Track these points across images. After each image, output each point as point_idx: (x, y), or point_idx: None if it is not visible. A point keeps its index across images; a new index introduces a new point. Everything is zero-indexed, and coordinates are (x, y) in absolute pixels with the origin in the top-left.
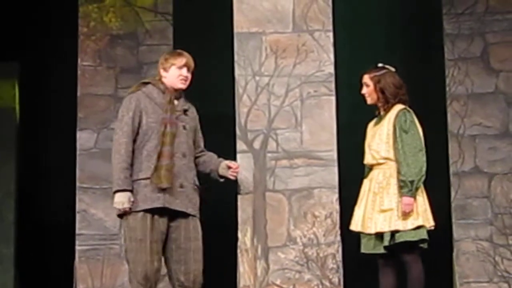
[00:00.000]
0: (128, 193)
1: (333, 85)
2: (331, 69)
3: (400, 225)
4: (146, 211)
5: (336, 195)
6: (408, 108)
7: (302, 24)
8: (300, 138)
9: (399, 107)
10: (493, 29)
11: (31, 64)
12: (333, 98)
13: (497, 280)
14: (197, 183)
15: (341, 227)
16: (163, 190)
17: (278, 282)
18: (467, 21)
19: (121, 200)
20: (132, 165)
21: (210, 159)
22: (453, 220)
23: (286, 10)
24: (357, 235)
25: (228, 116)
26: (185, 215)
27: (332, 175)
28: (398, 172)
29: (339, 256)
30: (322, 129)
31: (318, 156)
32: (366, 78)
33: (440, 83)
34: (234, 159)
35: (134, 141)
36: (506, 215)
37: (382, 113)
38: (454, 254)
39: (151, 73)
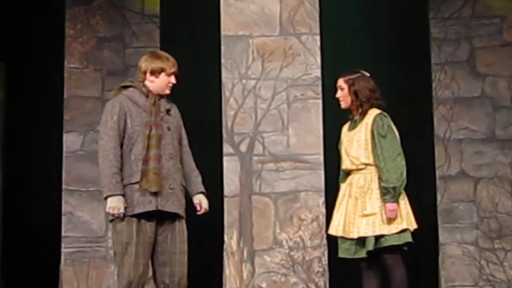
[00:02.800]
0: (121, 197)
1: (320, 89)
2: (318, 72)
3: (384, 229)
4: (133, 215)
5: (323, 199)
6: (385, 113)
7: (289, 27)
8: (287, 142)
9: (375, 111)
10: (479, 34)
11: (17, 66)
12: (320, 102)
13: (482, 284)
14: (183, 183)
15: (327, 231)
16: (154, 193)
17: (264, 285)
18: (453, 25)
19: (115, 205)
20: (121, 169)
21: (189, 178)
22: (439, 223)
23: (273, 14)
24: None
25: (215, 119)
26: (172, 217)
27: (319, 178)
28: (380, 179)
29: (325, 260)
30: (308, 132)
31: (304, 159)
32: (341, 82)
33: (427, 87)
34: (221, 162)
35: (121, 145)
36: (491, 219)
37: (356, 117)
38: (440, 257)
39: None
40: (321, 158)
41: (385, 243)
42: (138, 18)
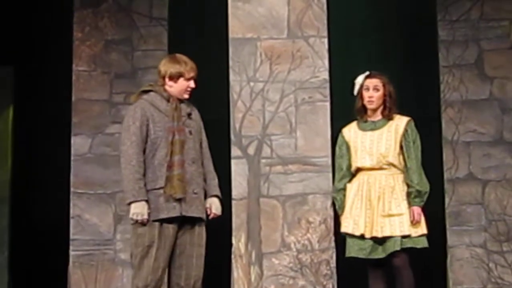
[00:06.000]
0: (145, 203)
1: (327, 91)
2: (325, 75)
3: (410, 231)
4: (156, 219)
5: (331, 201)
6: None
7: (297, 30)
8: (295, 144)
9: (403, 116)
10: (487, 36)
11: (25, 69)
12: (328, 104)
13: (490, 287)
14: (204, 187)
15: (335, 233)
16: (178, 199)
17: None
18: (461, 27)
19: (139, 211)
20: (144, 175)
21: (205, 180)
22: (447, 226)
23: (281, 16)
24: None
25: (223, 121)
26: (193, 221)
27: (327, 181)
28: (411, 181)
29: (333, 262)
30: (316, 135)
31: (312, 162)
32: (378, 82)
33: (435, 90)
34: (229, 164)
35: (144, 150)
36: (500, 222)
37: (376, 119)
38: (448, 260)
39: (146, 78)
40: (329, 160)
41: (408, 244)
42: (146, 21)
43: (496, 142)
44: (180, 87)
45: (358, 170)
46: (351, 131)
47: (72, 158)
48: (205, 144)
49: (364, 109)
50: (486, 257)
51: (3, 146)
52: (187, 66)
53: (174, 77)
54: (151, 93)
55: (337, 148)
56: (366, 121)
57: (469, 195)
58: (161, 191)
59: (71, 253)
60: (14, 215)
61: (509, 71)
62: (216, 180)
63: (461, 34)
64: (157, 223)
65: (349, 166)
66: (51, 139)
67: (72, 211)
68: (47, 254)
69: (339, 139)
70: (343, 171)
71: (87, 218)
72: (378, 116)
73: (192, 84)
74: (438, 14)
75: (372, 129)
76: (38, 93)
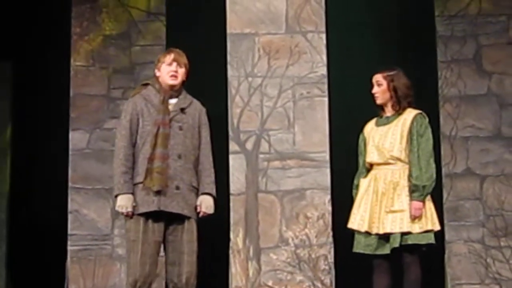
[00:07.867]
0: (130, 196)
1: (325, 87)
2: (323, 70)
3: (411, 227)
4: (140, 213)
5: (329, 197)
6: (424, 114)
7: (295, 25)
8: (293, 139)
9: (414, 110)
10: (485, 31)
11: (24, 64)
12: (326, 100)
13: (488, 282)
14: (194, 184)
15: (333, 229)
16: (158, 193)
17: (270, 283)
18: (459, 23)
19: (123, 203)
20: (134, 168)
21: (199, 177)
22: (445, 221)
23: (279, 11)
24: (350, 237)
25: (221, 117)
26: (181, 217)
27: (325, 176)
28: (410, 175)
29: (331, 257)
30: (314, 130)
31: (310, 157)
32: (379, 77)
33: (433, 85)
34: (227, 159)
35: (135, 144)
36: (497, 217)
37: (389, 114)
38: (446, 255)
39: (144, 73)
40: (327, 156)
41: (409, 241)
42: (144, 16)
43: (494, 137)
44: (163, 73)
45: (371, 165)
46: (369, 127)
47: (70, 153)
48: (204, 140)
49: (381, 105)
50: (484, 252)
51: (1, 140)
52: (168, 53)
53: (159, 66)
54: (149, 86)
55: (358, 146)
56: (381, 117)
57: (467, 190)
58: (142, 184)
59: (69, 248)
60: (12, 210)
61: (507, 67)
62: (211, 178)
63: (459, 30)
64: (142, 218)
65: (365, 162)
66: (49, 134)
67: (70, 206)
68: (45, 249)
69: (360, 136)
70: (360, 167)
71: (85, 213)
72: (391, 112)
73: (173, 67)
74: (436, 9)
75: (384, 124)
76: (36, 88)
